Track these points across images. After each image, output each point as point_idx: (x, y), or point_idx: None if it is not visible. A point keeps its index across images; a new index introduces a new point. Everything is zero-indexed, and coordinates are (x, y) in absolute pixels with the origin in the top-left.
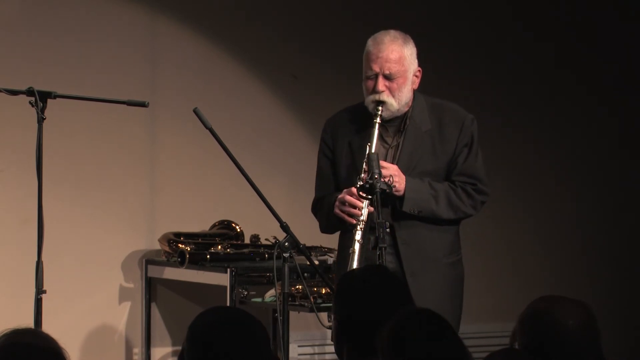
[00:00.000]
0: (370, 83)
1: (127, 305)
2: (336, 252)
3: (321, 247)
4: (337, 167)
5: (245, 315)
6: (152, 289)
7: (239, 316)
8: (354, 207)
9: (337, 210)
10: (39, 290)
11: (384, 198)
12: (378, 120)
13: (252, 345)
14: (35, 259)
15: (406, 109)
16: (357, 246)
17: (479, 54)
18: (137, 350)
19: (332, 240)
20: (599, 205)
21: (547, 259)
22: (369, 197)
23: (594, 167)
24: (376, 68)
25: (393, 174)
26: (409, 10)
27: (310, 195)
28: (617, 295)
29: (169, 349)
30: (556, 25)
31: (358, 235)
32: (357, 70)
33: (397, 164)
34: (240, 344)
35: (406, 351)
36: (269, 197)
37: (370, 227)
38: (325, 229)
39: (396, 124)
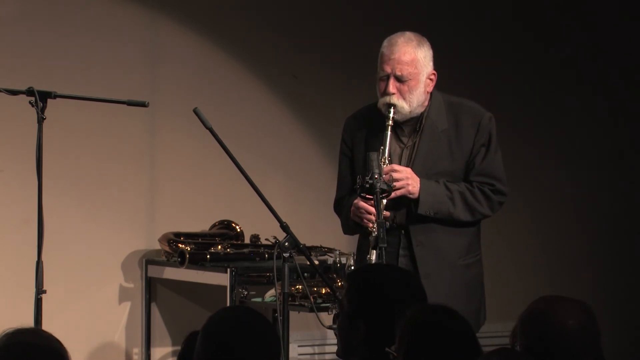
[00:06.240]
0: (383, 84)
1: (127, 305)
2: (337, 252)
3: (321, 247)
4: (355, 167)
5: (261, 320)
6: (152, 289)
7: (255, 321)
8: (369, 213)
9: (353, 217)
10: (39, 290)
11: (399, 200)
12: (390, 122)
13: (265, 353)
14: (35, 259)
15: (421, 110)
16: (374, 255)
17: (480, 54)
18: (137, 350)
19: (331, 240)
20: (600, 205)
21: (548, 259)
22: (370, 197)
23: (594, 167)
24: (388, 69)
25: (407, 177)
26: (411, 10)
27: (310, 195)
28: (617, 296)
29: (169, 349)
30: (558, 25)
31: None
32: (357, 70)
33: (412, 164)
34: (254, 351)
35: (425, 344)
36: (268, 196)
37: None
38: (346, 231)
39: (412, 124)
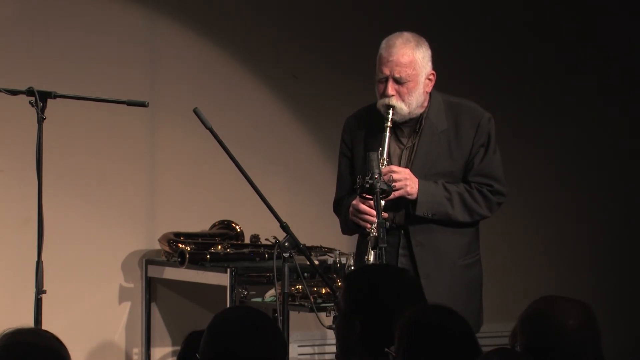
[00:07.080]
0: (381, 86)
1: (127, 305)
2: (337, 252)
3: (321, 247)
4: (355, 167)
5: (267, 320)
6: (152, 289)
7: (260, 321)
8: (367, 214)
9: (352, 217)
10: (39, 290)
11: (398, 201)
12: (389, 124)
13: (270, 354)
14: (35, 259)
15: (421, 111)
16: (372, 255)
17: (480, 54)
18: (137, 350)
19: (331, 240)
20: (600, 205)
21: (548, 259)
22: (369, 197)
23: (596, 167)
24: (386, 71)
25: (405, 177)
26: (411, 9)
27: (310, 195)
28: (617, 296)
29: (169, 349)
30: (559, 24)
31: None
32: (357, 70)
33: (412, 165)
34: (259, 351)
35: (425, 344)
36: (268, 196)
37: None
38: (345, 231)
39: (411, 125)
